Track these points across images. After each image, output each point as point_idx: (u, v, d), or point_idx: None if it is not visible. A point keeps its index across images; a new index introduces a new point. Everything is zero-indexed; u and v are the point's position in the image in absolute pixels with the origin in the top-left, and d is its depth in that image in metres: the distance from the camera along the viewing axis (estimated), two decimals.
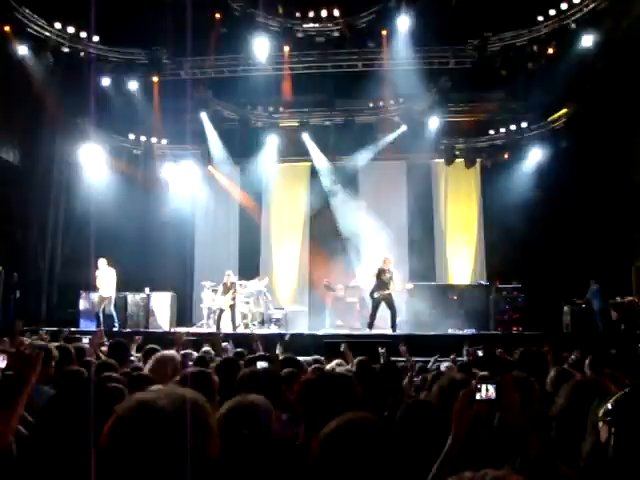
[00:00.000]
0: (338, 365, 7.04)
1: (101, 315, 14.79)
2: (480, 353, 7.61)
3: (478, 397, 2.32)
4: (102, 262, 14.89)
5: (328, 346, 10.41)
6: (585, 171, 15.78)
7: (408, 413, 2.67)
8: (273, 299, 16.81)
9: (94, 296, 15.38)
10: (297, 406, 3.31)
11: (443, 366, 7.48)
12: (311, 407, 2.93)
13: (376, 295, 14.10)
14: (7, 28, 14.69)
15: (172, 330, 14.54)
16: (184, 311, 17.62)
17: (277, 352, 7.50)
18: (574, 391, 2.57)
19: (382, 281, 14.06)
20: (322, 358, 7.93)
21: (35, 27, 15.18)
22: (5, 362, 2.79)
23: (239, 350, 7.86)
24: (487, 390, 2.33)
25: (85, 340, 7.67)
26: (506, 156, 17.66)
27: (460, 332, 14.52)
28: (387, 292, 13.97)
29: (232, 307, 15.01)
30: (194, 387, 3.26)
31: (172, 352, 5.52)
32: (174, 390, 1.54)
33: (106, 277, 14.87)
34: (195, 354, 7.18)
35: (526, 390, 3.16)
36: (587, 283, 14.92)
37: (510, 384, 2.37)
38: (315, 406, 2.90)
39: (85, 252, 16.33)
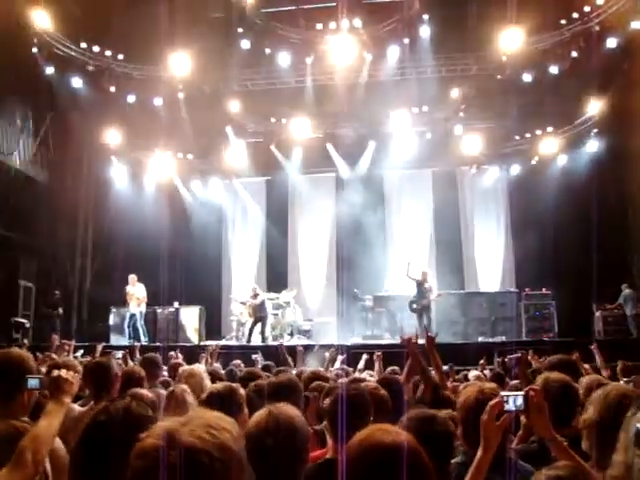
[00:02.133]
0: (368, 375, 7.02)
1: (130, 330, 15.01)
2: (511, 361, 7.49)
3: (507, 408, 2.29)
4: (132, 278, 15.10)
5: (356, 356, 10.36)
6: (614, 173, 15.57)
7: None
8: (301, 310, 16.78)
9: (124, 311, 15.59)
10: (326, 420, 3.30)
11: (471, 375, 7.40)
12: (339, 422, 2.91)
13: (415, 306, 14.43)
14: (35, 49, 14.93)
15: (202, 344, 14.57)
16: (213, 324, 17.69)
17: (305, 363, 7.49)
18: (606, 401, 2.52)
19: (421, 293, 14.47)
20: (350, 369, 7.93)
21: (61, 47, 15.40)
22: (40, 383, 2.82)
23: (267, 363, 7.85)
24: (516, 401, 2.30)
25: (118, 355, 7.72)
26: (533, 161, 17.51)
27: (490, 340, 14.40)
28: (425, 302, 14.35)
29: (260, 319, 15.04)
30: (221, 404, 3.27)
31: (197, 367, 5.53)
32: (204, 421, 1.47)
33: (136, 292, 15.07)
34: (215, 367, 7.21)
35: (565, 396, 3.10)
36: (619, 288, 14.69)
37: (538, 395, 2.34)
38: (343, 421, 2.88)
39: (114, 268, 16.55)
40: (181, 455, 1.33)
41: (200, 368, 5.43)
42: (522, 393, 2.34)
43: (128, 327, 15.12)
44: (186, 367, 5.53)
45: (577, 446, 2.53)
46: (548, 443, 2.34)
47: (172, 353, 8.44)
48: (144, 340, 14.94)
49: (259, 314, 15.04)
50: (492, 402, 2.32)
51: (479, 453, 2.26)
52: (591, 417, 2.50)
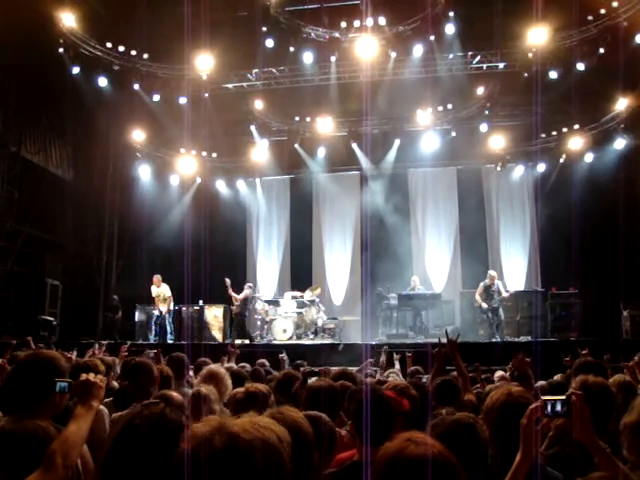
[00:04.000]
0: (392, 373, 7.00)
1: (157, 328, 15.17)
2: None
3: (547, 413, 2.24)
4: (157, 278, 15.24)
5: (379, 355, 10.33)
6: None
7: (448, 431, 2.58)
8: (325, 309, 16.77)
9: (149, 309, 15.75)
10: (352, 423, 3.28)
11: (496, 375, 7.35)
12: (364, 425, 2.89)
13: (485, 306, 14.42)
14: (61, 50, 15.06)
15: (226, 342, 14.63)
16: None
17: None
18: None
19: (489, 294, 14.48)
20: (375, 369, 7.91)
21: (87, 47, 15.52)
22: (68, 387, 2.83)
23: (298, 362, 7.87)
24: (557, 406, 2.25)
25: (150, 354, 7.75)
26: (560, 159, 17.33)
27: (515, 339, 14.29)
28: (494, 303, 14.39)
29: (237, 316, 15.39)
30: (247, 409, 3.26)
31: (219, 367, 5.50)
32: (256, 420, 1.50)
33: (162, 292, 15.22)
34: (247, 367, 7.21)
35: (604, 400, 3.05)
36: None
37: (582, 400, 2.29)
38: (368, 424, 2.86)
39: (140, 266, 16.64)
40: (225, 442, 1.39)
41: (222, 369, 5.39)
42: (564, 397, 2.29)
43: (155, 325, 15.28)
44: (210, 367, 5.50)
45: (615, 452, 2.48)
46: (591, 450, 2.29)
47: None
48: (170, 339, 15.07)
49: (239, 311, 15.35)
50: (532, 406, 2.27)
51: (518, 458, 2.22)
52: (633, 421, 2.45)
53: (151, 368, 4.32)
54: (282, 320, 15.70)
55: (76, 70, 15.53)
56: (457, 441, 2.40)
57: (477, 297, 14.52)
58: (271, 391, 3.62)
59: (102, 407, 4.31)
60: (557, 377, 6.17)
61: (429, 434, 2.51)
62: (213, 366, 5.56)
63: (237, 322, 15.50)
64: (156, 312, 15.35)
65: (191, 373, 6.32)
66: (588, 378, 3.27)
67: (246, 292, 15.57)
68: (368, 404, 2.96)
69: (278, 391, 4.32)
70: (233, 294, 15.39)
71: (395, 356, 8.78)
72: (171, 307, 15.50)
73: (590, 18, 14.83)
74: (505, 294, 14.50)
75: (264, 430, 1.45)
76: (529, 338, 14.28)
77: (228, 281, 15.26)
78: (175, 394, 3.75)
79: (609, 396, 3.19)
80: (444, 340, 5.09)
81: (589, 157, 16.81)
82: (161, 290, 15.35)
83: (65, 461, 2.36)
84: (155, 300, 15.37)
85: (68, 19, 14.94)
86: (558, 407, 2.24)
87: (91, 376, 2.73)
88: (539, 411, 2.24)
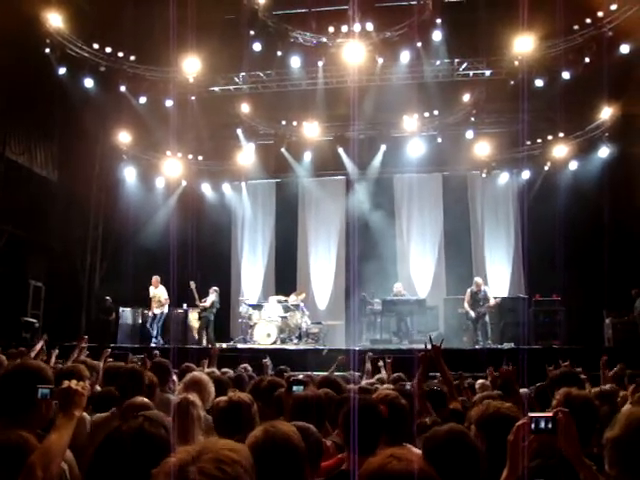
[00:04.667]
0: (379, 381, 7.00)
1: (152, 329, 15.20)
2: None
3: (533, 430, 2.25)
4: (156, 279, 15.28)
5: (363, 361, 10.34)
6: (625, 180, 15.51)
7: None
8: (310, 314, 16.75)
9: (132, 311, 15.82)
10: (341, 433, 3.27)
11: (478, 383, 7.36)
12: (352, 435, 2.89)
13: (472, 314, 14.43)
14: (47, 50, 14.97)
15: (210, 346, 14.59)
16: (222, 327, 17.69)
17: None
18: (633, 423, 2.47)
19: (475, 301, 14.48)
20: (358, 374, 7.92)
21: (74, 48, 15.43)
22: (50, 393, 2.80)
23: (281, 367, 7.87)
24: (543, 422, 2.26)
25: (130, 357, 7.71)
26: (545, 167, 17.43)
27: (499, 346, 14.34)
28: (481, 310, 14.39)
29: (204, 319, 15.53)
30: (230, 423, 3.24)
31: (202, 374, 5.46)
32: (215, 455, 1.39)
33: (158, 294, 15.20)
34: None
35: (587, 415, 3.06)
36: (630, 295, 14.59)
37: (568, 417, 2.30)
38: (355, 434, 2.86)
39: (124, 268, 16.57)
40: None
41: (205, 375, 5.36)
42: (550, 415, 2.29)
43: (150, 327, 15.27)
44: (193, 373, 5.46)
45: (598, 466, 2.49)
46: (577, 467, 2.30)
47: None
48: (154, 342, 15.01)
49: (204, 315, 15.43)
50: (519, 422, 2.28)
51: (504, 474, 2.23)
52: (615, 435, 2.46)
53: (140, 375, 4.30)
54: (266, 324, 15.67)
55: (62, 71, 15.40)
56: (452, 453, 2.41)
57: (465, 305, 14.56)
58: (253, 400, 3.59)
59: (84, 414, 4.29)
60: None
61: (422, 446, 2.52)
62: (196, 373, 5.53)
63: (203, 326, 15.46)
64: (151, 314, 15.33)
65: (175, 378, 6.28)
66: (571, 391, 3.29)
67: (212, 297, 15.51)
68: (356, 414, 2.97)
69: (261, 399, 4.30)
70: (197, 297, 15.41)
71: (380, 363, 8.80)
72: (165, 310, 15.52)
73: (576, 27, 14.93)
74: (493, 302, 14.51)
75: (229, 467, 1.36)
76: (512, 345, 14.33)
77: (193, 284, 15.22)
78: (159, 414, 3.73)
79: (592, 410, 3.21)
80: (429, 346, 5.08)
81: (573, 165, 16.91)
82: (158, 292, 15.31)
83: (45, 473, 2.32)
84: (151, 301, 15.36)
85: (55, 19, 14.84)
86: (545, 424, 2.25)
87: (73, 383, 2.69)
88: (526, 428, 2.25)
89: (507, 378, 4.50)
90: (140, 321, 16.52)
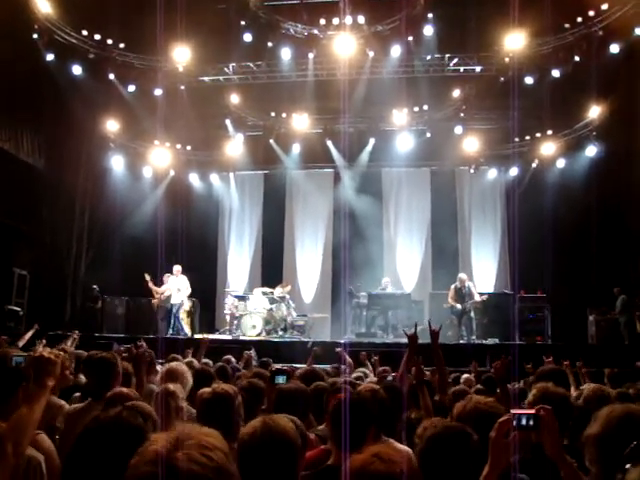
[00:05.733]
0: (363, 374, 7.01)
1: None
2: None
3: (515, 426, 2.25)
4: (177, 269, 15.19)
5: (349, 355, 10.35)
6: (612, 178, 15.57)
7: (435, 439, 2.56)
8: (295, 306, 16.75)
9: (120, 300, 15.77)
10: (328, 426, 3.27)
11: (463, 378, 7.39)
12: (343, 430, 2.88)
13: (458, 307, 14.43)
14: (35, 35, 14.81)
15: (195, 336, 14.55)
16: (207, 318, 17.68)
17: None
18: (609, 418, 2.49)
19: (460, 296, 14.49)
20: (343, 367, 7.91)
21: (62, 34, 15.29)
22: (24, 360, 2.78)
23: (264, 360, 7.84)
24: (525, 419, 2.27)
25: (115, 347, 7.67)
26: (533, 164, 17.49)
27: (483, 342, 14.40)
28: (465, 305, 14.39)
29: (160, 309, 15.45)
30: (214, 415, 3.22)
31: (179, 364, 5.44)
32: (196, 441, 1.37)
33: (179, 284, 15.14)
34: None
35: (563, 410, 3.07)
36: (613, 293, 14.68)
37: (550, 414, 2.31)
38: (347, 427, 2.86)
39: (110, 257, 16.49)
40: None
41: (183, 366, 5.33)
42: (533, 412, 2.30)
43: (168, 319, 15.15)
44: (170, 364, 5.43)
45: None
46: (558, 464, 2.31)
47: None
48: (170, 333, 14.85)
49: (162, 304, 15.35)
50: (501, 419, 2.28)
51: (486, 470, 2.23)
52: (595, 433, 2.48)
53: (113, 364, 4.24)
54: (251, 316, 15.64)
55: (50, 57, 15.24)
56: (451, 450, 2.41)
57: (450, 300, 14.58)
58: (238, 392, 3.57)
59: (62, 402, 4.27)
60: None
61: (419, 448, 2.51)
62: (174, 363, 5.49)
63: (163, 315, 15.38)
64: (169, 304, 15.19)
65: (159, 368, 6.25)
66: (548, 387, 3.32)
67: (168, 285, 15.43)
68: (347, 408, 2.96)
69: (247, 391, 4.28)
70: (154, 287, 15.31)
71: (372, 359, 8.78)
72: (184, 299, 15.36)
73: (567, 26, 14.97)
74: (478, 298, 14.54)
75: (213, 453, 1.34)
76: (497, 341, 14.40)
77: (147, 276, 15.13)
78: (133, 393, 3.71)
79: (568, 406, 3.25)
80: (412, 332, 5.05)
81: (561, 163, 16.99)
82: (178, 280, 15.20)
83: (16, 448, 2.28)
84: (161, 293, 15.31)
85: (43, 4, 14.67)
86: (527, 421, 2.26)
87: (46, 351, 2.64)
88: (508, 424, 2.25)
89: (502, 374, 4.46)
90: (125, 310, 16.48)
